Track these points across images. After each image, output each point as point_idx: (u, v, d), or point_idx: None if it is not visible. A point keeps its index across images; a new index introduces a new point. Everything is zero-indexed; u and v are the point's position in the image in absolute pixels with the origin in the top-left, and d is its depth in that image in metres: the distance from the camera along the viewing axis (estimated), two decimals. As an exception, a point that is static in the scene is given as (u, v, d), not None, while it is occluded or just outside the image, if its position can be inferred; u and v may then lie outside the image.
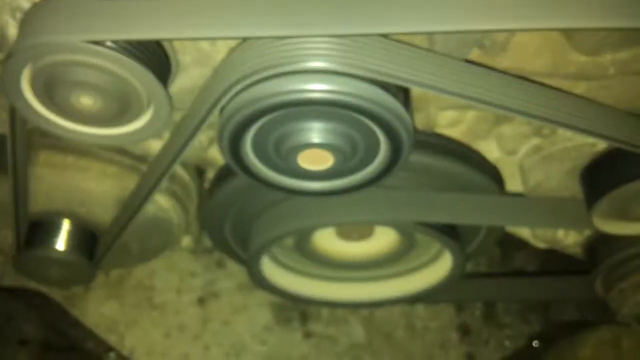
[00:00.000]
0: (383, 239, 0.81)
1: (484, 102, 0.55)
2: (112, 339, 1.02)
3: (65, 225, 0.76)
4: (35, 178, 0.72)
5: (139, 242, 0.81)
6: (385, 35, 0.54)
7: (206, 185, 0.84)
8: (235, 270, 1.07)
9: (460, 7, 0.50)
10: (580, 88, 0.65)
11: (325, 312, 1.07)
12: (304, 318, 1.06)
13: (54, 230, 0.75)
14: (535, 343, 1.01)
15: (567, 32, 0.60)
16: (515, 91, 0.57)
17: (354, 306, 0.99)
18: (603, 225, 0.72)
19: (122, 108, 0.57)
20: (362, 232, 0.80)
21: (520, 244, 0.94)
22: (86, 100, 0.56)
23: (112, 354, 0.99)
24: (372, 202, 0.71)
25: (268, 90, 0.52)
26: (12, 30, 0.57)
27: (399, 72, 0.52)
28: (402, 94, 0.57)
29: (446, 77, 0.54)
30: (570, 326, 1.01)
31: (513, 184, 0.77)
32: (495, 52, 0.62)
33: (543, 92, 0.59)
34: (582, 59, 0.62)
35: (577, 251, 0.85)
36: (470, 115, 0.71)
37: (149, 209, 0.75)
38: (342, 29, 0.51)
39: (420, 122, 0.69)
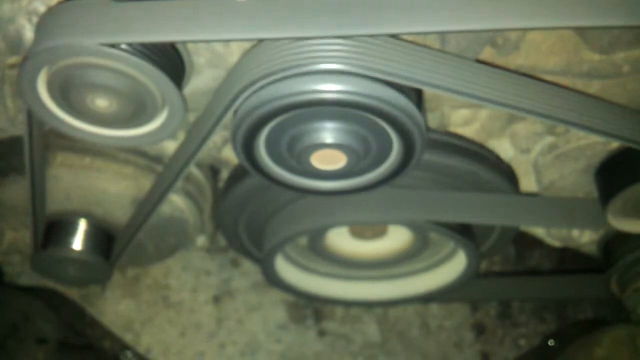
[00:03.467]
0: (397, 238, 0.82)
1: (497, 103, 0.55)
2: (128, 338, 1.03)
3: (82, 225, 0.77)
4: (52, 179, 0.73)
5: (154, 241, 0.82)
6: (397, 36, 0.54)
7: (220, 185, 0.85)
8: (250, 269, 1.07)
9: (473, 7, 0.50)
10: (594, 86, 0.64)
11: (339, 310, 1.07)
12: (318, 316, 1.07)
13: (71, 230, 0.76)
14: (550, 342, 1.01)
15: (581, 31, 0.60)
16: (527, 91, 0.56)
17: (368, 305, 0.99)
18: (618, 224, 0.71)
19: (137, 110, 0.57)
20: (375, 231, 0.80)
21: (535, 243, 0.94)
22: (102, 102, 0.57)
23: (128, 353, 0.99)
24: (385, 202, 0.71)
25: (281, 91, 0.53)
26: (29, 34, 0.58)
27: (410, 73, 0.52)
28: (415, 93, 0.57)
29: (458, 78, 0.54)
30: (586, 325, 1.00)
31: (527, 183, 0.77)
32: (508, 51, 0.61)
33: (555, 91, 0.59)
34: (596, 57, 0.62)
35: (592, 250, 0.84)
36: (484, 113, 0.71)
37: (165, 208, 0.76)
38: (354, 30, 0.51)
39: (433, 121, 0.69)
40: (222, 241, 1.04)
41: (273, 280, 0.85)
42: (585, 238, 0.82)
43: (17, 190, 0.76)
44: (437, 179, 0.71)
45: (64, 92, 0.56)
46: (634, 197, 0.68)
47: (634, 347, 0.80)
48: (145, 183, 0.74)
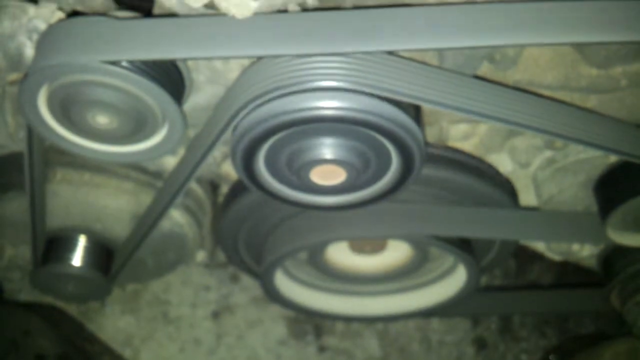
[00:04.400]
0: (396, 253, 0.81)
1: (495, 119, 0.55)
2: (127, 353, 1.02)
3: (82, 241, 0.76)
4: (52, 195, 0.73)
5: (154, 257, 0.82)
6: (394, 52, 0.54)
7: (220, 200, 0.85)
8: (250, 285, 1.07)
9: (470, 23, 0.51)
10: (591, 101, 0.65)
11: (339, 326, 1.06)
12: (319, 332, 1.06)
13: (71, 246, 0.76)
14: (552, 357, 1.01)
15: (578, 46, 0.61)
16: (525, 106, 0.57)
17: (369, 320, 0.99)
18: (617, 237, 0.71)
19: (137, 126, 0.58)
20: (375, 246, 0.80)
21: (535, 256, 0.94)
22: (102, 119, 0.57)
23: (128, 369, 0.99)
24: (385, 217, 0.71)
25: (281, 108, 0.53)
26: (29, 51, 0.58)
27: (408, 89, 0.53)
28: (413, 109, 0.58)
29: (456, 94, 0.54)
30: (587, 339, 1.00)
31: (527, 197, 0.77)
32: (506, 66, 0.62)
33: (553, 106, 0.59)
34: (594, 72, 0.62)
35: (592, 263, 0.84)
36: (483, 128, 0.71)
37: (164, 224, 0.76)
38: (352, 47, 0.51)
39: (432, 135, 0.70)
40: (221, 256, 1.04)
41: (273, 295, 0.85)
42: (585, 252, 0.82)
43: (17, 206, 0.75)
44: (436, 193, 0.71)
45: (65, 108, 0.57)
46: (633, 211, 0.68)
47: (635, 361, 0.80)
48: (145, 199, 0.74)
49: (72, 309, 1.02)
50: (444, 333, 1.07)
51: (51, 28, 0.55)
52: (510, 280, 1.10)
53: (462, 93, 0.55)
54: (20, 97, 0.56)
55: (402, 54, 0.56)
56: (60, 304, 1.00)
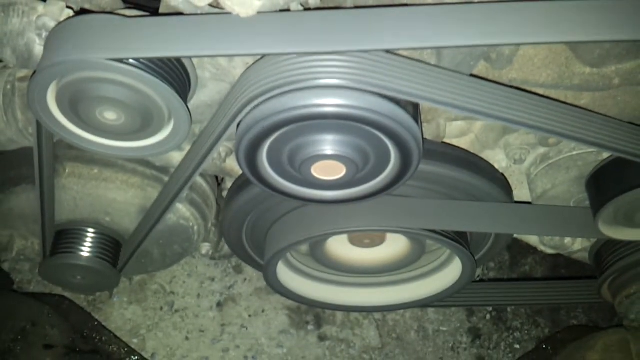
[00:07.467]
0: (394, 246, 0.82)
1: (490, 116, 0.56)
2: (134, 343, 1.04)
3: (90, 233, 0.78)
4: (61, 188, 0.75)
5: (160, 249, 0.83)
6: (393, 51, 0.55)
7: (224, 194, 0.86)
8: (253, 276, 1.09)
9: (467, 23, 0.52)
10: (585, 98, 0.66)
11: (339, 316, 1.08)
12: (319, 322, 1.08)
13: (79, 238, 0.78)
14: (544, 347, 1.02)
15: (572, 45, 0.62)
16: (520, 104, 0.58)
17: (367, 310, 1.00)
18: (609, 232, 0.73)
19: (144, 122, 0.59)
20: (374, 239, 0.81)
21: (529, 250, 0.95)
22: (110, 115, 0.58)
23: (134, 358, 1.00)
24: (384, 211, 0.72)
25: (283, 105, 0.54)
26: (38, 48, 0.59)
27: (407, 87, 0.54)
28: (412, 106, 0.59)
29: (453, 92, 0.55)
30: (579, 330, 1.01)
31: (521, 192, 0.79)
32: (502, 65, 0.63)
33: (547, 104, 0.60)
34: (587, 70, 0.63)
35: (583, 257, 0.85)
36: (478, 125, 0.72)
37: (170, 217, 0.77)
38: (352, 46, 0.52)
39: (429, 132, 0.71)
40: (225, 248, 1.05)
41: (275, 286, 0.86)
42: (577, 246, 0.83)
43: (27, 200, 0.77)
44: (433, 188, 0.72)
45: (73, 105, 0.58)
46: (624, 206, 0.69)
47: (626, 352, 0.81)
48: (152, 192, 0.75)
49: (80, 299, 1.04)
50: (440, 323, 1.09)
51: (60, 26, 0.56)
52: (504, 273, 1.11)
53: (460, 90, 0.55)
54: (29, 94, 0.57)
55: (400, 52, 0.57)
56: (68, 294, 1.01)
